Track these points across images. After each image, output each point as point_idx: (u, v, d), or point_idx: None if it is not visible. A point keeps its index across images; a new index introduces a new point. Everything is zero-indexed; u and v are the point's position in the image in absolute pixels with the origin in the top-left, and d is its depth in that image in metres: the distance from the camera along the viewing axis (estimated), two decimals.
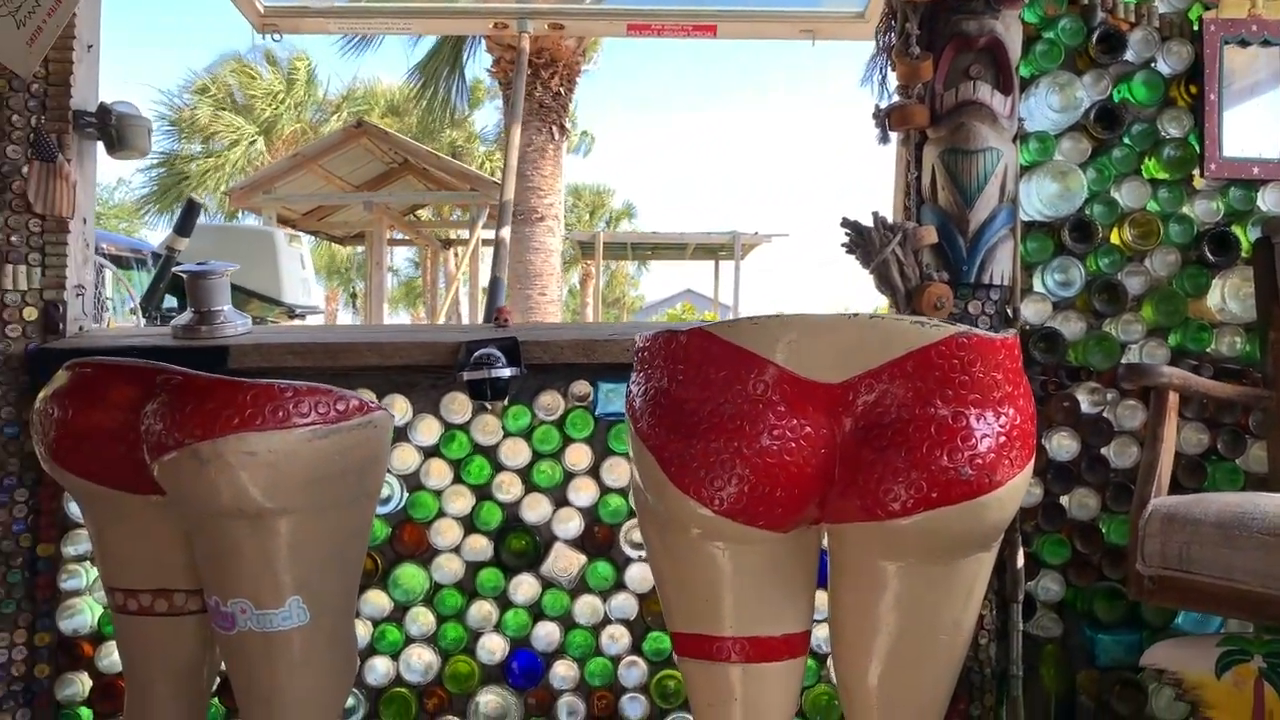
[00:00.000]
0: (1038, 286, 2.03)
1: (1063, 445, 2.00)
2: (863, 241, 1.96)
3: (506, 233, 2.72)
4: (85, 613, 2.06)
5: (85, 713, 2.04)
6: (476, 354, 1.89)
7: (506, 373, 1.87)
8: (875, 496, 1.26)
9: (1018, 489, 1.29)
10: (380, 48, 11.91)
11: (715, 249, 20.14)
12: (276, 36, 3.16)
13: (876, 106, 2.05)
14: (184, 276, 2.06)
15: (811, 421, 1.29)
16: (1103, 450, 2.01)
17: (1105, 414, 2.02)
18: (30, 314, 2.03)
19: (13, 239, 2.02)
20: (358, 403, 1.49)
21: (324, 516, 1.47)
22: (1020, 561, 1.96)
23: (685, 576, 1.37)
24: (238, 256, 2.87)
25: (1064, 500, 2.02)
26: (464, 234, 12.67)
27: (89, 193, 2.15)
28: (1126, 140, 2.04)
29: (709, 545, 1.33)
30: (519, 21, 3.07)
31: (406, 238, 13.06)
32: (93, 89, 2.14)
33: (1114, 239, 2.03)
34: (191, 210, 2.79)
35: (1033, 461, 1.33)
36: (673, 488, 1.29)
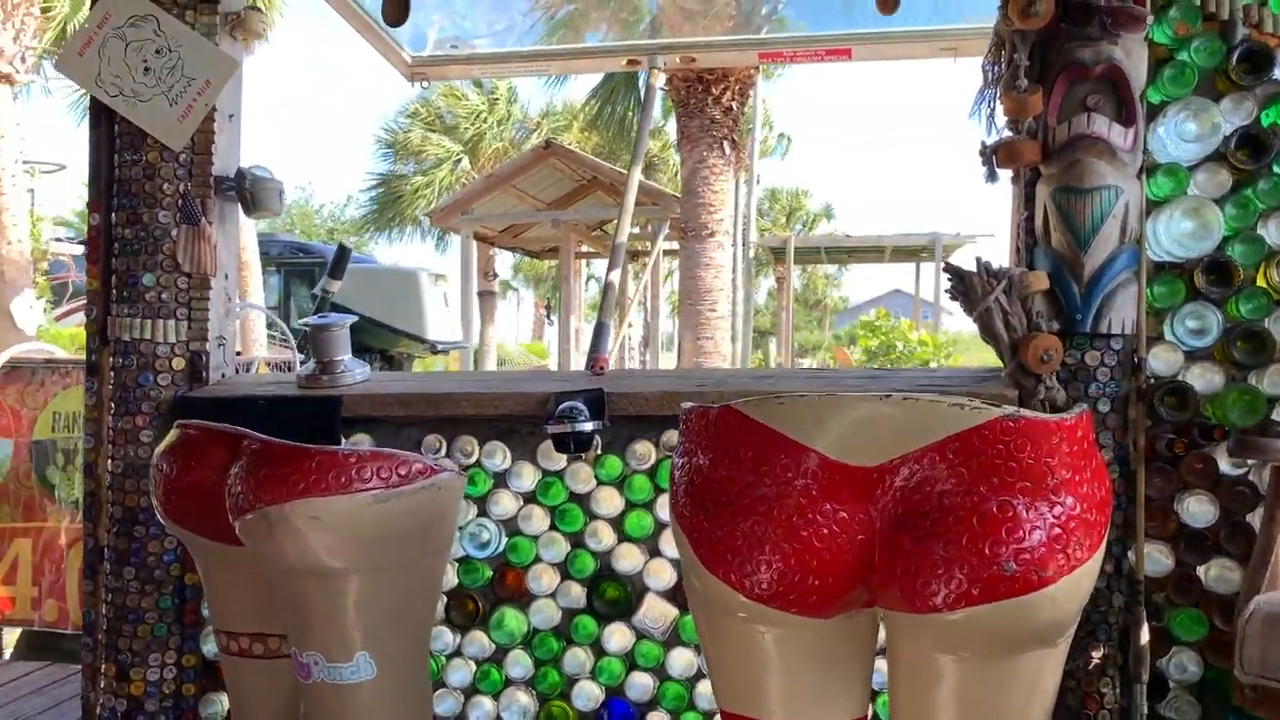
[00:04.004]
0: (1167, 335, 1.84)
1: (1198, 510, 1.80)
2: (965, 288, 1.84)
3: (617, 276, 2.73)
4: None
5: None
6: (561, 407, 1.91)
7: (589, 427, 1.89)
8: (914, 589, 1.19)
9: (1076, 585, 1.18)
10: None
11: (915, 251, 19.47)
12: (425, 84, 3.32)
13: (982, 143, 1.92)
14: (306, 329, 2.21)
15: (846, 506, 1.23)
16: (1246, 517, 1.79)
17: (1250, 476, 1.80)
18: (178, 364, 2.23)
19: (163, 296, 2.23)
20: (421, 466, 1.55)
21: (389, 575, 1.53)
22: (1145, 637, 1.79)
23: (729, 658, 1.34)
24: (385, 297, 3.05)
25: (1200, 571, 1.82)
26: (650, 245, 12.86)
27: (230, 249, 2.34)
28: (1277, 169, 1.81)
29: (751, 628, 1.29)
30: (650, 58, 3.09)
31: (595, 251, 13.40)
32: (233, 155, 2.33)
33: (1259, 281, 1.81)
34: (343, 255, 2.96)
35: (1100, 554, 1.21)
36: (704, 570, 1.27)
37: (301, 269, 16.38)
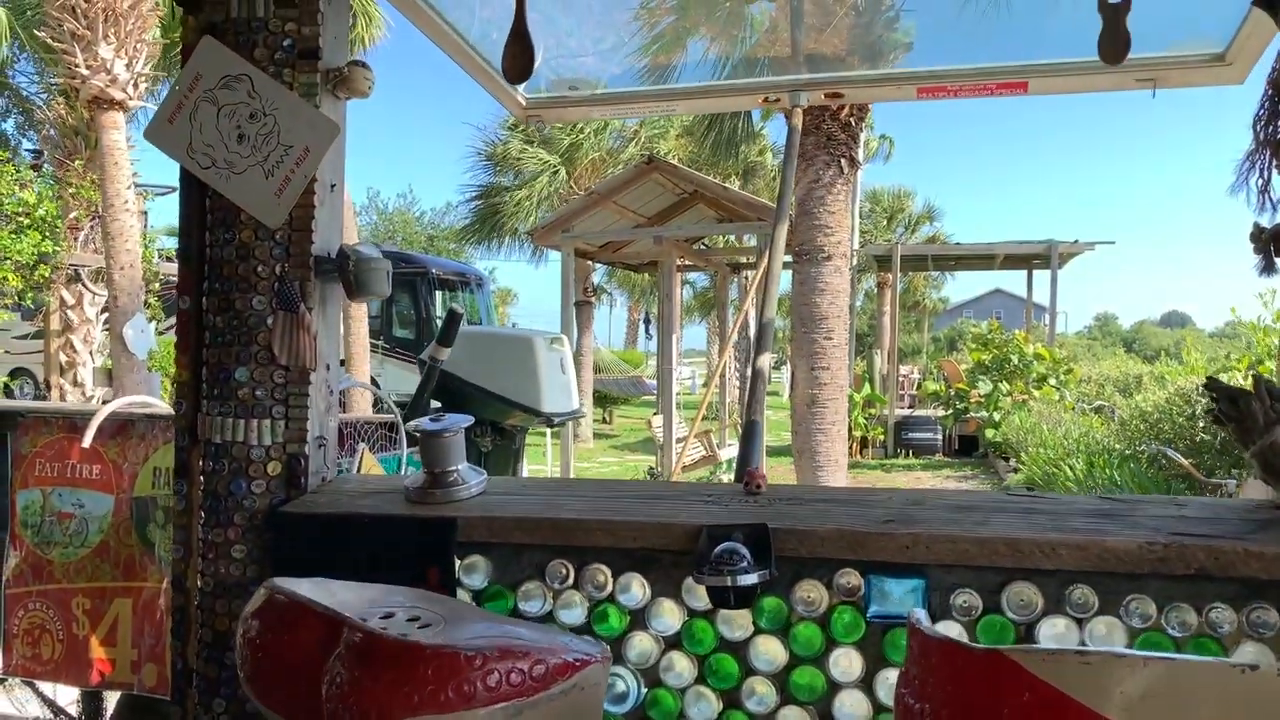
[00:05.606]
0: None
1: None
2: (1239, 414, 1.44)
3: (766, 361, 2.36)
4: None
5: None
6: (718, 550, 1.58)
7: (752, 579, 1.55)
8: None
9: None
10: None
11: (1028, 258, 18.60)
12: (541, 126, 3.04)
13: (1256, 225, 1.52)
14: (418, 435, 1.93)
15: None
16: None
17: None
18: (274, 468, 1.98)
19: (258, 393, 1.97)
20: (560, 663, 1.23)
21: None
22: None
23: None
24: (498, 365, 2.77)
25: None
26: (753, 258, 12.47)
27: (332, 337, 2.07)
28: None
29: None
30: (792, 94, 2.74)
31: (694, 264, 13.07)
32: (335, 230, 2.06)
33: None
34: (452, 321, 2.71)
35: None
36: None
37: (403, 279, 16.46)
